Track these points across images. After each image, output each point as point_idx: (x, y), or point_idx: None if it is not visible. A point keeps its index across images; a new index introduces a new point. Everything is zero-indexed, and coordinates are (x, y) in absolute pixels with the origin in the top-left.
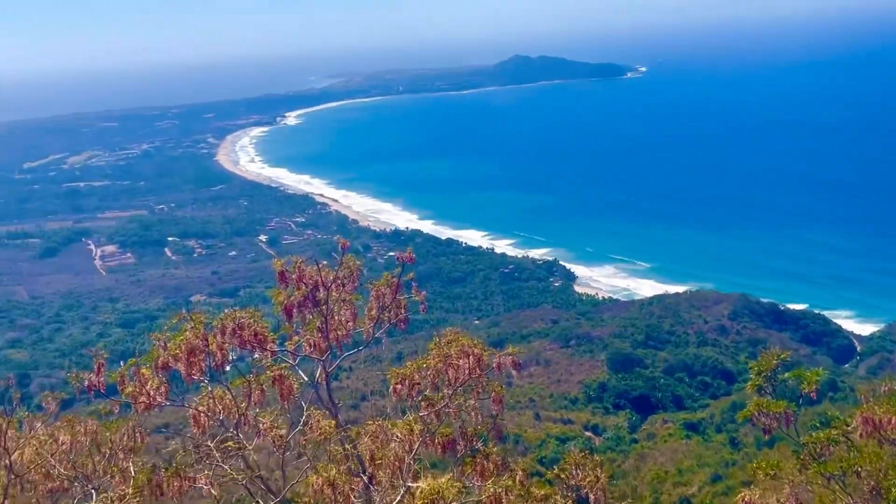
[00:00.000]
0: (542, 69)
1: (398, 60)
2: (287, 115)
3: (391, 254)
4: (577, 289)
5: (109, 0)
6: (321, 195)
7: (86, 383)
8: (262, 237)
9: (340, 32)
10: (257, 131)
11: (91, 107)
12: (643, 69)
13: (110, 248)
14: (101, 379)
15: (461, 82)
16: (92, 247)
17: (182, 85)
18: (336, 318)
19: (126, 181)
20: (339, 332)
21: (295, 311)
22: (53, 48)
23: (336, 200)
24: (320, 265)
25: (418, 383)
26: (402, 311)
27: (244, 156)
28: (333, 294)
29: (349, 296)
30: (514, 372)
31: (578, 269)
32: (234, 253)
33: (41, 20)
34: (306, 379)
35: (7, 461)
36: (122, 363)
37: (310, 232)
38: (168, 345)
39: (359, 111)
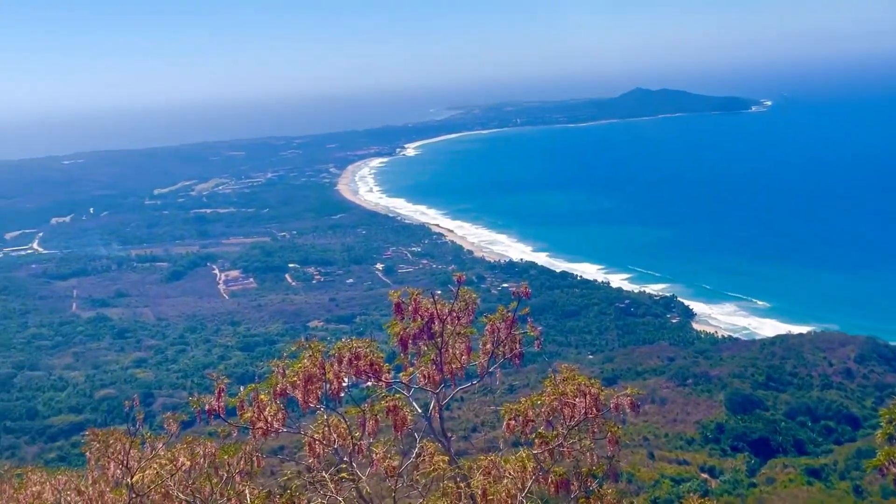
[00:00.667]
0: (662, 102)
1: (517, 93)
2: (406, 146)
3: (505, 285)
4: (695, 326)
5: (237, 35)
6: (437, 225)
7: (206, 407)
8: (379, 266)
9: (462, 66)
10: (377, 162)
11: (220, 135)
12: (768, 103)
13: (233, 273)
14: (222, 403)
15: (580, 115)
16: (216, 271)
17: (307, 116)
18: (451, 350)
19: (250, 208)
20: (454, 365)
21: (410, 342)
22: (187, 79)
23: (451, 231)
24: (436, 297)
25: (532, 420)
26: (517, 346)
27: (363, 185)
28: (449, 327)
29: (464, 329)
30: (630, 412)
31: (696, 306)
32: (351, 280)
33: (175, 54)
34: (419, 410)
35: (129, 480)
36: (241, 387)
37: (425, 261)
38: (286, 372)
39: (476, 143)
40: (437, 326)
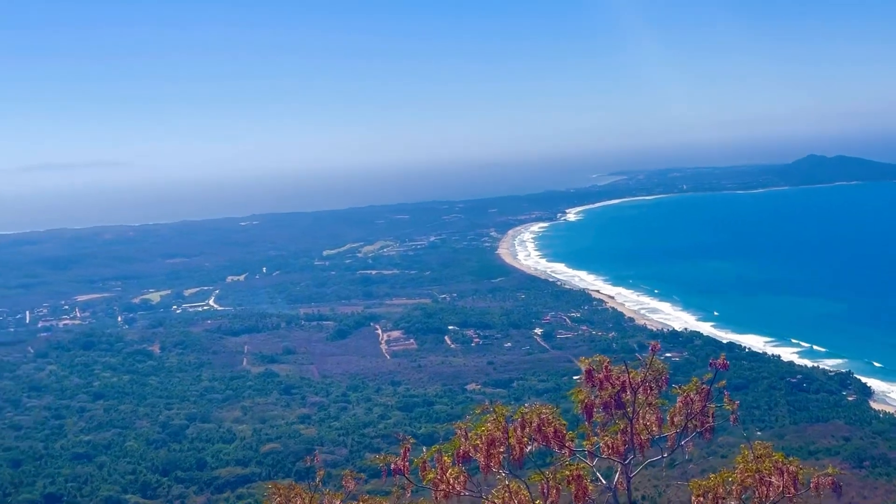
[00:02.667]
0: (838, 169)
1: (683, 158)
2: (567, 211)
3: (668, 354)
4: (874, 405)
5: (406, 104)
6: (597, 291)
7: (392, 466)
8: (538, 330)
9: (627, 131)
10: (538, 226)
11: (386, 199)
12: None
13: (395, 333)
14: (406, 462)
15: (750, 181)
16: (379, 331)
17: (471, 181)
18: (640, 421)
19: (413, 270)
20: (642, 437)
21: (595, 411)
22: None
23: (612, 297)
24: (628, 366)
25: (723, 497)
26: (710, 419)
27: (524, 250)
28: (640, 396)
29: (655, 399)
30: (831, 494)
31: (874, 384)
32: (509, 344)
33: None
34: (604, 482)
35: None
36: (399, 448)
37: (584, 328)
38: (469, 434)
39: (639, 208)
40: (627, 395)
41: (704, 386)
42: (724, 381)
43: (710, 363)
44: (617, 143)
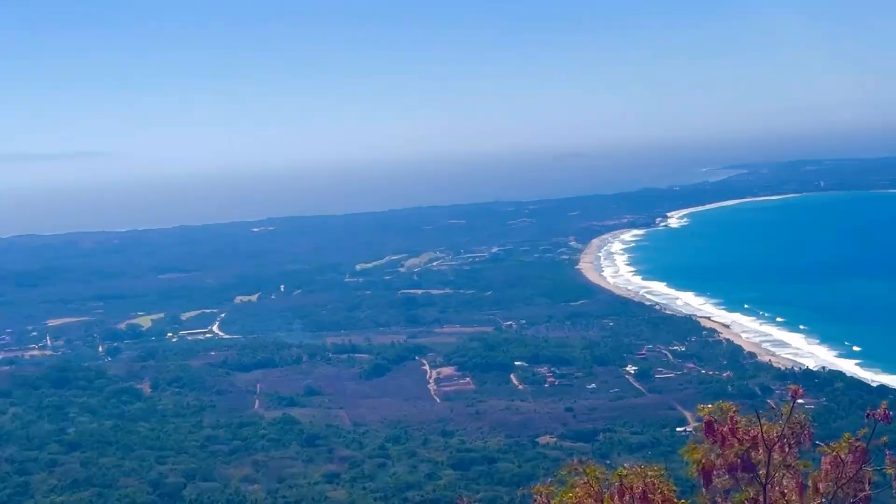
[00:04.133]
0: None
1: (820, 147)
2: (669, 215)
3: (800, 401)
4: None
5: (455, 79)
6: (708, 318)
7: None
8: (630, 368)
9: (746, 113)
10: (631, 235)
11: (436, 199)
12: None
13: (447, 370)
14: None
15: None
16: (426, 367)
17: (543, 176)
18: (776, 489)
19: (470, 290)
20: None
21: (717, 474)
22: (397, 131)
23: (727, 326)
24: (760, 416)
25: None
26: (866, 487)
27: (612, 264)
28: (776, 456)
29: (795, 460)
30: None
31: None
32: (593, 385)
33: (381, 103)
34: None
35: None
36: None
37: (691, 365)
38: (552, 502)
39: (763, 212)
40: (759, 455)
41: (859, 443)
42: (885, 438)
43: (868, 414)
44: (734, 127)
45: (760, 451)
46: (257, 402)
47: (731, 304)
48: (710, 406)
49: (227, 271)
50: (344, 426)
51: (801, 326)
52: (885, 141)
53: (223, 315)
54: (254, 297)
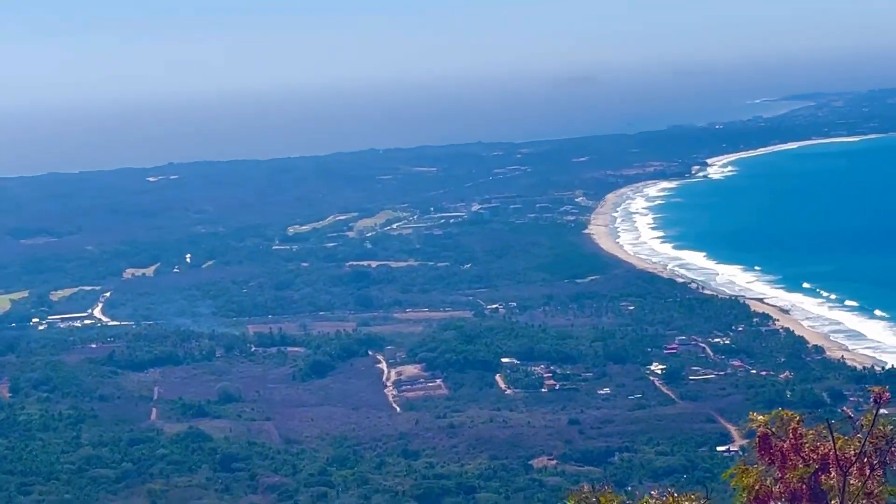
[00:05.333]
0: None
1: None
2: (710, 162)
3: (885, 412)
4: None
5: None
6: (760, 301)
7: None
8: (656, 366)
9: (812, 29)
10: (658, 189)
11: (396, 139)
12: None
13: (411, 370)
14: None
15: None
16: (383, 365)
17: (539, 107)
18: None
19: (443, 262)
20: None
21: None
22: (334, 50)
23: (785, 311)
24: (832, 427)
25: None
26: None
27: (632, 228)
28: (853, 481)
29: (879, 487)
30: None
31: None
32: (606, 391)
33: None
34: None
35: None
36: None
37: (737, 363)
38: None
39: (835, 159)
40: (832, 479)
41: None
42: None
43: None
44: (799, 45)
45: (833, 474)
46: (155, 411)
47: (791, 283)
48: (764, 415)
49: (114, 235)
50: (272, 444)
51: (883, 312)
52: None
53: (108, 294)
54: (149, 271)
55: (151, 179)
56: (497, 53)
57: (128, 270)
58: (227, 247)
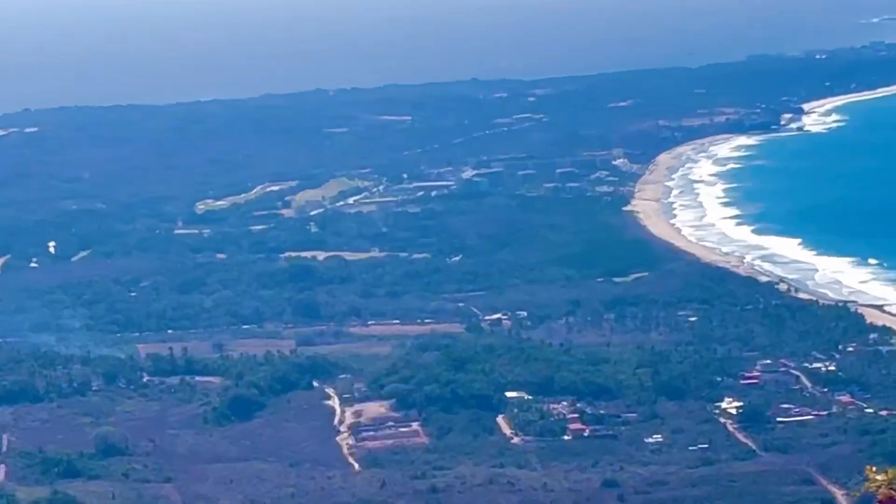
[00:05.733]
0: None
1: None
2: (807, 107)
3: None
4: None
5: None
6: (879, 308)
7: None
8: (729, 403)
9: None
10: (731, 146)
11: (360, 77)
12: None
13: (374, 409)
14: None
15: None
16: (333, 402)
17: (563, 30)
18: None
19: (421, 253)
20: None
21: None
22: None
23: None
24: None
25: None
26: None
27: (696, 204)
28: None
29: None
30: None
31: None
32: (658, 438)
33: None
34: None
35: None
36: None
37: (846, 398)
38: None
39: None
40: None
41: None
42: None
43: None
44: None
45: None
46: (3, 469)
47: None
48: (887, 472)
49: None
50: None
51: None
52: None
53: None
54: None
55: None
56: None
57: None
58: (109, 231)
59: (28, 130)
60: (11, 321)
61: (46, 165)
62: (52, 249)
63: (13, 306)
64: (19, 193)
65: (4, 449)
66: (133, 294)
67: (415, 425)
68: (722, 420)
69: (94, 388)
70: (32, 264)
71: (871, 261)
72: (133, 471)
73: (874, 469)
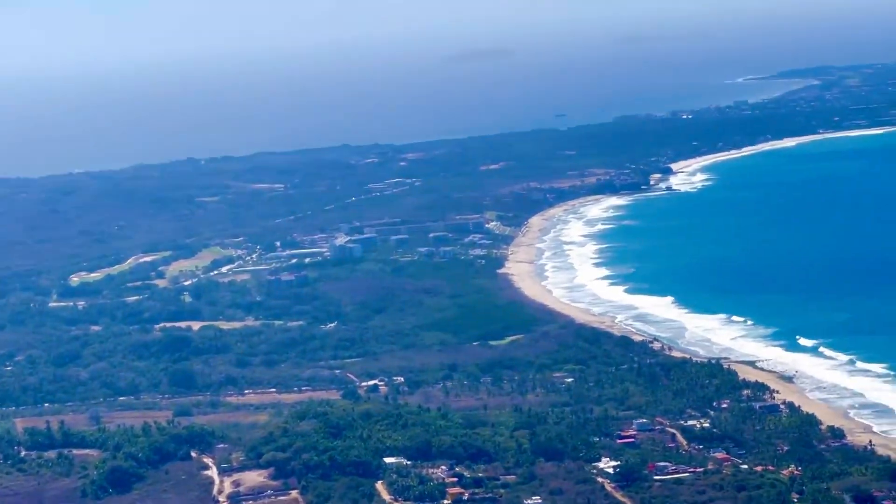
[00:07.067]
0: None
1: None
2: (675, 166)
3: None
4: None
5: None
6: (751, 364)
7: None
8: (606, 463)
9: None
10: (602, 207)
11: (225, 144)
12: None
13: (253, 478)
14: None
15: None
16: (212, 471)
17: (433, 95)
18: None
19: (295, 321)
20: None
21: None
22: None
23: (788, 380)
24: None
25: None
26: None
27: (567, 266)
28: None
29: None
30: None
31: None
32: (536, 499)
33: None
34: None
35: None
36: None
37: (721, 454)
38: None
39: (854, 159)
40: None
41: None
42: None
43: None
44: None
45: None
46: None
47: (792, 338)
48: None
49: None
50: None
51: None
52: None
53: None
54: None
55: None
56: (373, 21)
57: None
58: None
59: None
60: None
61: None
62: None
63: None
64: None
65: None
66: (9, 368)
67: (294, 493)
68: (599, 480)
69: None
70: None
71: (743, 319)
72: None
73: None
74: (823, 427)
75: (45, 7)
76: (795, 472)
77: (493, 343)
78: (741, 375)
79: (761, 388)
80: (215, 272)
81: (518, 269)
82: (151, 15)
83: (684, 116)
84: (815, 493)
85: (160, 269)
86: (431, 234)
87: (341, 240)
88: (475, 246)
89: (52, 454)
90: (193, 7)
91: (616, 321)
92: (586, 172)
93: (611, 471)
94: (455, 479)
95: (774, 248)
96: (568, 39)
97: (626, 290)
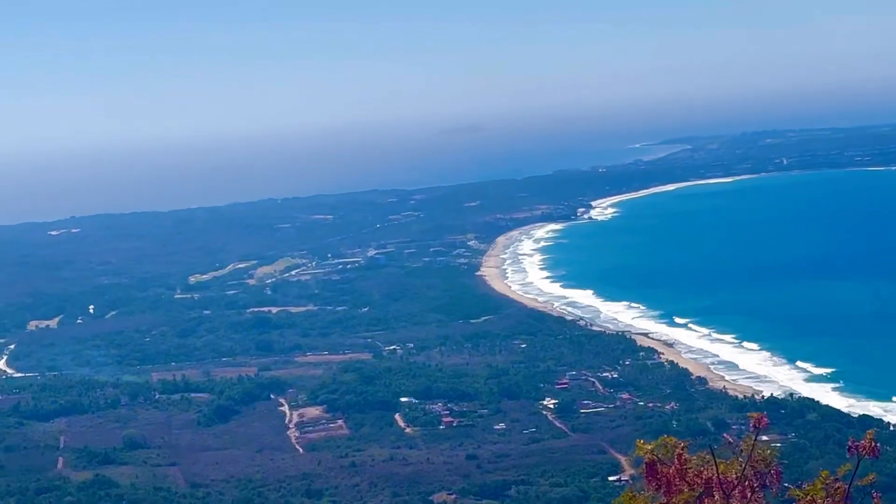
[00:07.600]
0: None
1: (784, 116)
2: (594, 204)
3: (764, 437)
4: None
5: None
6: (645, 335)
7: None
8: (549, 401)
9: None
10: (545, 231)
11: (293, 188)
12: None
13: (312, 411)
14: None
15: (892, 150)
16: (285, 408)
17: (433, 156)
18: None
19: (341, 307)
20: None
21: None
22: (237, 99)
23: (669, 345)
24: (715, 453)
25: None
26: None
27: (522, 270)
28: (735, 503)
29: None
30: None
31: None
32: (502, 426)
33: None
34: None
35: None
36: None
37: (626, 396)
38: None
39: (712, 198)
40: (716, 502)
41: (839, 484)
42: (872, 476)
43: (850, 447)
44: (672, 89)
45: (716, 497)
46: (61, 460)
47: (674, 317)
48: (651, 443)
49: (18, 288)
50: (178, 488)
51: (761, 344)
52: (864, 105)
53: (12, 347)
54: (53, 322)
55: (54, 233)
56: (390, 104)
57: (32, 322)
58: (130, 297)
59: (74, 231)
60: (65, 359)
61: (86, 255)
62: (91, 310)
63: (66, 350)
64: (69, 273)
65: (62, 446)
66: (147, 339)
67: (340, 422)
68: (544, 412)
69: (121, 403)
70: (79, 321)
71: (640, 305)
72: (150, 458)
73: (643, 442)
74: (693, 377)
75: (169, 85)
76: (674, 407)
77: (472, 321)
78: (638, 342)
79: (651, 351)
80: (287, 274)
81: (489, 272)
82: (243, 96)
83: (601, 170)
84: (687, 421)
85: (251, 272)
86: (431, 249)
87: (371, 252)
88: (460, 257)
89: (176, 397)
90: (260, 91)
91: (554, 306)
92: (534, 207)
93: (552, 406)
94: (447, 412)
95: (662, 257)
96: (521, 120)
97: (562, 286)
